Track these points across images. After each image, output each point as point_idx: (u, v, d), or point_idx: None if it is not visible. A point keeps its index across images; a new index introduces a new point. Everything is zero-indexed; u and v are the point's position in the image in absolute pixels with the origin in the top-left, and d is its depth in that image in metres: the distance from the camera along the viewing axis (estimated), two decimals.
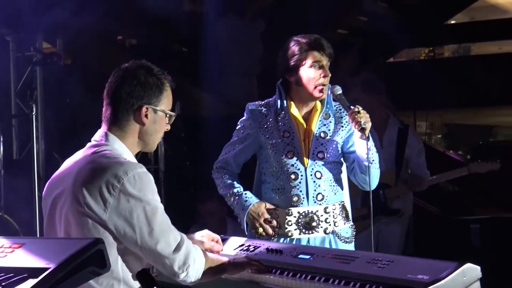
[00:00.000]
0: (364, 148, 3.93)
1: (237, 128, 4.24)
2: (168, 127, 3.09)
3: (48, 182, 3.10)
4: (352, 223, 4.21)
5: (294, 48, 4.03)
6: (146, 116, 2.96)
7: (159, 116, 3.01)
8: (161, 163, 7.41)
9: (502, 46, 13.51)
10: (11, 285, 2.34)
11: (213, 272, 3.09)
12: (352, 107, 3.95)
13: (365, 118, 3.88)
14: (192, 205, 6.38)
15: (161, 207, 2.88)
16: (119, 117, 2.96)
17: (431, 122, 14.82)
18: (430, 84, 10.26)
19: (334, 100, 4.12)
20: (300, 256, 3.21)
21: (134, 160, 2.98)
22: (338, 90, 4.03)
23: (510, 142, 13.57)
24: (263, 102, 4.20)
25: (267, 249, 3.36)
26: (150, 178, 2.88)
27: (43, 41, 7.01)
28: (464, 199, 9.41)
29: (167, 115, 3.04)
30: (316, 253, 3.21)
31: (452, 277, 2.71)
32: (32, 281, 2.32)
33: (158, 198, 2.89)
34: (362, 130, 3.87)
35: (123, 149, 2.97)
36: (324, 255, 3.17)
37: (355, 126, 3.90)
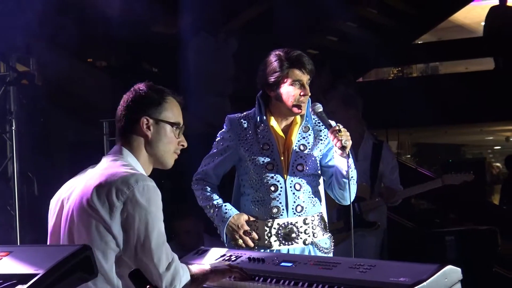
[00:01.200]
0: (344, 166, 3.98)
1: (216, 140, 4.26)
2: (183, 142, 3.13)
3: (58, 192, 3.12)
4: (330, 234, 4.25)
5: (275, 64, 4.05)
6: (148, 128, 3.02)
7: (162, 127, 3.05)
8: None
9: (469, 66, 13.72)
10: None
11: (196, 284, 3.12)
12: (333, 125, 4.00)
13: (346, 136, 3.91)
14: (169, 223, 6.37)
15: (162, 224, 2.92)
16: (126, 133, 3.05)
17: (401, 141, 14.98)
18: (400, 103, 10.36)
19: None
20: (283, 263, 3.24)
21: (145, 174, 3.03)
22: (319, 108, 4.06)
23: (479, 159, 13.73)
24: (242, 114, 4.22)
25: (249, 258, 3.38)
26: (159, 193, 2.93)
27: (16, 61, 6.99)
28: (437, 214, 9.52)
29: (174, 127, 3.08)
30: (298, 260, 3.24)
31: (433, 279, 2.75)
32: (21, 287, 2.34)
33: (161, 214, 2.92)
34: (343, 148, 3.91)
35: (136, 164, 3.03)
36: (306, 262, 3.21)
37: (335, 144, 3.93)
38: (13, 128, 6.23)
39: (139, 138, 3.04)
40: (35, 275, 2.37)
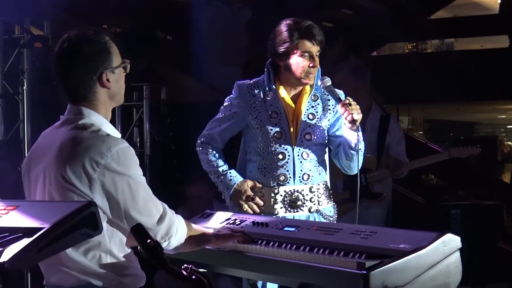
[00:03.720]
0: (354, 139, 4.01)
1: (224, 105, 4.27)
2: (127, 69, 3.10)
3: (25, 158, 3.13)
4: (334, 203, 4.28)
5: (285, 34, 4.05)
6: (108, 80, 2.99)
7: (118, 73, 3.03)
8: (146, 148, 7.44)
9: (484, 44, 13.63)
10: (7, 243, 2.39)
11: (197, 242, 3.16)
12: (342, 99, 4.02)
13: (356, 110, 3.93)
14: (178, 189, 6.43)
15: (143, 180, 2.93)
16: (85, 94, 2.97)
17: (413, 118, 14.95)
18: (413, 78, 10.34)
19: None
20: (286, 228, 3.29)
21: (113, 130, 3.01)
22: (328, 81, 4.08)
23: (491, 137, 13.70)
24: (251, 81, 4.23)
25: (253, 222, 3.43)
26: (132, 152, 2.92)
27: (30, 24, 7.00)
28: (446, 190, 9.53)
29: (125, 67, 3.06)
30: (301, 226, 3.29)
31: (433, 246, 2.80)
32: (27, 240, 2.38)
33: (140, 172, 2.93)
34: (353, 122, 3.93)
35: (101, 120, 2.99)
36: (309, 227, 3.26)
37: (346, 118, 3.95)
38: (25, 88, 6.25)
39: (100, 93, 2.99)
40: (40, 228, 2.42)
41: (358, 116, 3.93)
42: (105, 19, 9.58)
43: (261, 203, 4.13)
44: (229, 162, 4.29)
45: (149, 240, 2.16)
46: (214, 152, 4.26)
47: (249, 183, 4.16)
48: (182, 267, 2.15)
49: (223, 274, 4.10)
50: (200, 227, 3.25)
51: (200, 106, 7.41)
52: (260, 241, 3.23)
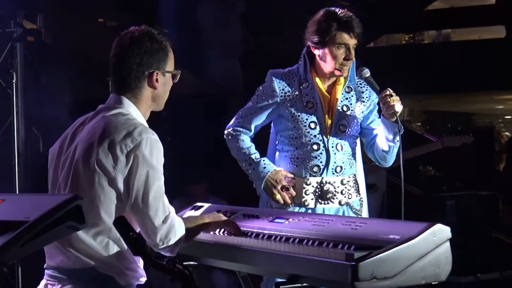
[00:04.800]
0: (393, 130, 3.96)
1: (256, 94, 4.19)
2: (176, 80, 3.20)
3: (57, 142, 3.15)
4: (361, 196, 4.23)
5: (324, 24, 3.99)
6: (156, 80, 3.05)
7: (167, 78, 3.10)
8: None
9: (482, 34, 13.60)
10: None
11: (194, 235, 3.16)
12: (380, 89, 3.96)
13: (397, 101, 3.88)
14: (173, 181, 6.43)
15: (162, 178, 2.96)
16: (132, 86, 3.05)
17: (410, 109, 14.93)
18: (410, 69, 10.33)
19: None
20: (276, 220, 3.27)
21: (147, 126, 3.05)
22: (367, 72, 4.01)
23: (488, 128, 13.67)
24: (285, 70, 4.16)
25: (244, 214, 3.42)
26: (161, 147, 2.97)
27: (23, 18, 6.99)
28: (443, 181, 9.53)
29: (175, 76, 3.14)
30: (292, 217, 3.27)
31: (422, 237, 2.78)
32: (12, 233, 2.38)
33: (161, 169, 2.96)
34: (394, 113, 3.89)
35: (137, 114, 3.05)
36: (299, 218, 3.24)
37: (387, 110, 3.90)
38: (14, 81, 6.22)
39: (146, 90, 3.06)
40: (25, 222, 2.41)
41: (399, 107, 3.88)
42: (101, 12, 9.57)
43: (294, 193, 4.08)
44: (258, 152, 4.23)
45: (131, 233, 2.14)
46: (246, 140, 4.19)
47: (284, 172, 4.10)
48: (165, 259, 2.14)
49: (215, 267, 4.08)
50: (195, 220, 3.21)
51: (196, 99, 7.40)
52: (250, 233, 3.21)
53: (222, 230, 3.26)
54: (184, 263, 3.25)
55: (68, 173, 2.99)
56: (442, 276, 2.83)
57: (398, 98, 3.91)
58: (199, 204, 3.71)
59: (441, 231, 2.84)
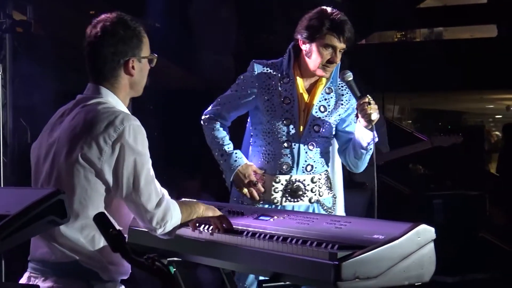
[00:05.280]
0: (367, 138, 3.94)
1: (237, 82, 4.18)
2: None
3: (39, 136, 3.13)
4: (334, 194, 4.22)
5: (316, 21, 3.96)
6: (133, 67, 3.02)
7: (144, 64, 3.07)
8: None
9: (474, 33, 13.61)
10: None
11: (187, 217, 3.13)
12: (360, 95, 3.92)
13: (374, 110, 3.86)
14: (160, 174, 6.44)
15: (149, 162, 2.95)
16: (108, 76, 3.02)
17: (401, 107, 14.93)
18: (401, 67, 10.33)
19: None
20: (261, 217, 3.25)
21: (128, 112, 3.03)
22: (349, 76, 3.99)
23: (478, 127, 13.70)
24: (269, 62, 4.14)
25: (229, 211, 3.39)
26: (144, 131, 2.95)
27: (13, 9, 6.96)
28: (433, 180, 9.54)
29: (151, 61, 3.11)
30: (276, 215, 3.25)
31: (406, 237, 2.75)
32: None
33: (148, 153, 2.95)
34: (370, 121, 3.87)
35: (117, 102, 3.03)
36: (284, 216, 3.22)
37: (363, 117, 3.88)
38: (0, 73, 6.19)
39: (123, 78, 3.03)
40: (5, 216, 2.39)
41: (376, 116, 3.86)
42: (92, 4, 9.53)
43: (262, 189, 4.08)
44: (234, 142, 4.21)
45: (111, 229, 2.12)
46: (221, 129, 4.18)
47: (253, 167, 4.10)
48: (144, 257, 2.12)
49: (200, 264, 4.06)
50: (190, 204, 3.22)
51: (192, 96, 7.38)
52: (234, 230, 3.19)
53: (207, 226, 3.24)
54: (168, 259, 3.29)
55: (52, 168, 2.97)
56: (425, 277, 2.81)
57: (376, 107, 3.88)
58: (185, 199, 3.68)
59: (426, 232, 2.81)
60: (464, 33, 13.96)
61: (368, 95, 3.91)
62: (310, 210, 4.09)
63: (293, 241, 2.94)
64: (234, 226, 3.19)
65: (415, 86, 11.11)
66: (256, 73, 4.11)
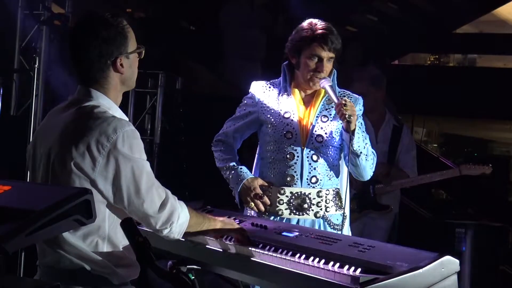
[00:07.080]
0: (347, 141, 3.95)
1: (240, 104, 4.28)
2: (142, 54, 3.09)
3: (32, 138, 3.10)
4: (344, 211, 4.18)
5: (302, 33, 4.05)
6: (121, 65, 2.97)
7: (132, 58, 3.02)
8: (156, 136, 7.43)
9: (507, 62, 13.53)
10: None
11: (200, 224, 3.11)
12: (337, 100, 3.93)
13: (350, 111, 3.87)
14: (184, 180, 6.43)
15: (147, 165, 2.91)
16: (97, 78, 2.96)
17: (428, 130, 14.84)
18: (432, 90, 10.28)
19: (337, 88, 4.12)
20: (284, 233, 3.24)
21: (121, 114, 3.00)
22: (328, 82, 4.02)
23: (504, 157, 13.58)
24: (268, 82, 4.23)
25: (252, 223, 3.38)
26: (138, 135, 2.91)
27: (52, 2, 6.99)
28: (455, 206, 9.45)
29: (138, 53, 3.05)
30: (300, 232, 3.23)
31: (430, 267, 2.73)
32: (17, 222, 2.33)
33: (144, 156, 2.91)
34: (348, 123, 3.88)
35: (109, 104, 2.98)
36: (307, 234, 3.20)
37: (341, 118, 3.92)
38: (36, 66, 6.22)
39: (113, 77, 2.98)
40: (31, 211, 2.37)
41: (351, 117, 3.85)
42: (130, 2, 9.57)
43: (268, 202, 4.10)
44: (248, 164, 4.27)
45: (138, 237, 2.11)
46: (227, 149, 4.26)
47: (259, 181, 4.13)
48: (168, 266, 2.10)
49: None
50: (206, 216, 3.20)
51: (214, 99, 7.38)
52: (257, 243, 3.17)
53: (230, 237, 3.22)
54: (188, 266, 3.27)
55: (46, 174, 2.94)
56: None
57: (354, 108, 3.89)
58: (209, 207, 3.68)
59: (450, 263, 2.79)
60: (498, 62, 13.87)
61: (344, 98, 3.94)
62: (316, 226, 4.08)
63: (316, 260, 2.92)
64: (256, 240, 3.18)
65: (444, 110, 11.04)
66: (255, 93, 4.21)
